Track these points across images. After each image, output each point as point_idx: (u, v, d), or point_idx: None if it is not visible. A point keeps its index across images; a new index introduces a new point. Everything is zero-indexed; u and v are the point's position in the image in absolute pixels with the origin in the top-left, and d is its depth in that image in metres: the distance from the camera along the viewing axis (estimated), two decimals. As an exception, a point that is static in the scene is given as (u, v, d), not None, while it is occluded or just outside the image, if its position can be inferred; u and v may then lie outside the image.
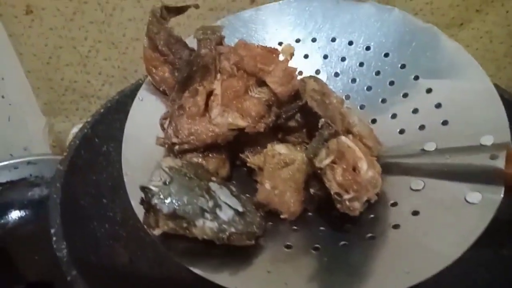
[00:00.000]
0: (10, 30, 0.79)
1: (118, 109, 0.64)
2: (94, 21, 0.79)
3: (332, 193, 0.43)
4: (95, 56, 0.83)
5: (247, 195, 0.50)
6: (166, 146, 0.50)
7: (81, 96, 0.88)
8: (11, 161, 0.86)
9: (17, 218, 0.85)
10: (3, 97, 0.89)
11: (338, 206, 0.43)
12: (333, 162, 0.44)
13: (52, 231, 0.51)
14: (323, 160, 0.44)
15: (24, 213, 0.85)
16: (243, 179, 0.55)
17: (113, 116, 0.65)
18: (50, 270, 0.74)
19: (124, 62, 0.84)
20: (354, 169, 0.44)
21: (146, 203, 0.40)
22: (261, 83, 0.51)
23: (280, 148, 0.49)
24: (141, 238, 0.56)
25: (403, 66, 0.57)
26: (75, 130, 0.87)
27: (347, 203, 0.42)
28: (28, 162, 0.86)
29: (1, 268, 0.77)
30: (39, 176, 0.87)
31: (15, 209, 0.85)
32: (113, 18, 0.78)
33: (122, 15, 0.78)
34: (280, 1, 0.64)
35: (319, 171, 0.44)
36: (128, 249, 0.60)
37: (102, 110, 0.66)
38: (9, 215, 0.85)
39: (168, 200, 0.40)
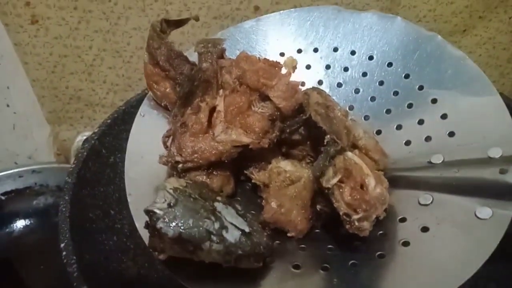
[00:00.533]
0: (15, 39, 0.77)
1: (125, 119, 0.62)
2: (99, 30, 0.77)
3: (340, 213, 0.40)
4: (100, 64, 0.81)
5: (253, 212, 0.47)
6: (169, 164, 0.47)
7: (86, 105, 0.86)
8: (16, 170, 0.84)
9: (22, 227, 0.83)
10: (8, 105, 0.87)
11: (347, 226, 0.40)
12: (340, 180, 0.41)
13: (62, 245, 0.49)
14: (331, 180, 0.41)
15: (29, 222, 0.83)
16: (247, 194, 0.52)
17: (120, 127, 0.63)
18: (56, 279, 0.72)
19: (128, 71, 0.82)
20: (362, 186, 0.42)
21: (151, 227, 0.38)
22: (264, 97, 0.48)
23: (286, 165, 0.47)
24: (149, 250, 0.54)
25: (407, 76, 0.54)
26: (79, 138, 0.86)
27: (356, 223, 0.40)
28: (33, 171, 0.84)
29: (6, 278, 0.75)
30: (44, 184, 0.85)
31: (20, 218, 0.83)
32: (118, 27, 0.76)
33: (127, 24, 0.76)
34: (281, 12, 0.62)
35: (326, 191, 0.42)
36: (136, 261, 0.59)
37: (108, 121, 0.63)
38: (14, 224, 0.83)
39: (173, 224, 0.37)
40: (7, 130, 0.89)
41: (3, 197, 0.83)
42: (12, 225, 0.82)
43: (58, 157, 0.91)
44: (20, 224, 0.83)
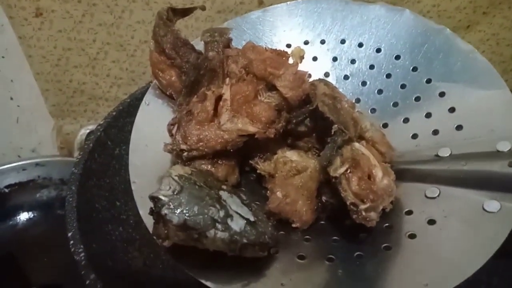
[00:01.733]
0: (19, 32, 0.77)
1: (130, 112, 0.62)
2: (103, 24, 0.76)
3: (348, 203, 0.40)
4: (104, 58, 0.81)
5: (258, 202, 0.46)
6: (174, 153, 0.46)
7: (89, 98, 0.85)
8: (19, 163, 0.84)
9: (25, 219, 0.82)
10: (12, 99, 0.87)
11: (354, 216, 0.40)
12: (348, 170, 0.40)
13: (69, 234, 0.49)
14: (338, 169, 0.40)
15: (33, 215, 0.83)
16: (252, 185, 0.51)
17: (125, 119, 0.63)
18: (60, 272, 0.72)
19: (132, 65, 0.82)
20: (369, 177, 0.41)
21: (155, 213, 0.37)
22: (271, 87, 0.47)
23: (292, 155, 0.46)
24: (154, 241, 0.54)
25: (414, 69, 0.53)
26: (83, 131, 0.86)
27: (364, 213, 0.39)
28: (36, 164, 0.84)
29: (10, 270, 0.75)
30: (47, 177, 0.84)
31: (23, 211, 0.83)
32: (122, 20, 0.76)
33: (131, 17, 0.76)
34: (288, 2, 0.61)
35: (333, 180, 0.41)
36: (142, 252, 0.58)
37: (114, 113, 0.63)
38: (18, 217, 0.82)
39: (178, 211, 0.36)
40: (11, 123, 0.89)
41: (6, 190, 0.82)
42: (15, 218, 0.82)
43: (62, 150, 0.90)
44: (23, 217, 0.82)
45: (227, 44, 0.51)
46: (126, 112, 0.63)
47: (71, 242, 0.48)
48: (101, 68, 0.82)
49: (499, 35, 0.75)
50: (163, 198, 0.36)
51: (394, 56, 0.55)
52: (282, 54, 0.48)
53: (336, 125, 0.43)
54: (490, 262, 0.36)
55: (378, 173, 0.42)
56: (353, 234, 0.43)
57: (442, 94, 0.50)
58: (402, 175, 0.47)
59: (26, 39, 0.77)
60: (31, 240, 0.79)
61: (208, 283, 0.38)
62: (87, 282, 0.45)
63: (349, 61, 0.58)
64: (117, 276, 0.53)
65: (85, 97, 0.85)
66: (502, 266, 0.51)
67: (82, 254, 0.47)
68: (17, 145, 0.92)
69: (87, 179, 0.56)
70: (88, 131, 0.83)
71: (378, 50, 0.56)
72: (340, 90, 0.53)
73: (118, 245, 0.57)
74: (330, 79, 0.57)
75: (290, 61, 0.48)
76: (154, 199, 0.37)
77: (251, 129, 0.45)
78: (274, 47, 0.52)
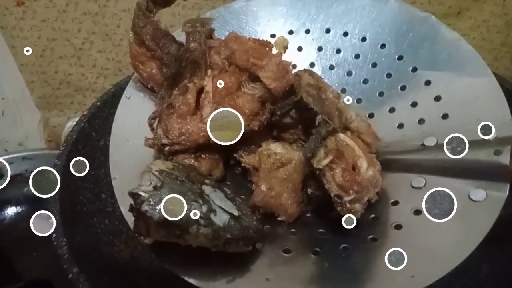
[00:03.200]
0: (1, 22, 0.75)
1: (114, 102, 0.59)
2: (88, 13, 0.74)
3: (332, 195, 0.39)
4: (89, 48, 0.79)
5: (242, 196, 0.46)
6: (156, 147, 0.45)
7: (76, 90, 0.84)
8: (6, 157, 0.82)
9: (13, 214, 0.80)
10: (-4, 91, 0.85)
11: (339, 208, 0.39)
12: (332, 162, 0.40)
13: (52, 228, 0.48)
14: (322, 161, 0.40)
15: (21, 209, 0.81)
16: (237, 178, 0.51)
17: (110, 110, 0.61)
18: (49, 267, 0.70)
19: (118, 54, 0.80)
20: (354, 168, 0.41)
21: (135, 210, 0.36)
22: (254, 78, 0.46)
23: (276, 147, 0.45)
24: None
25: (400, 58, 0.53)
26: (70, 124, 0.84)
27: (348, 205, 0.39)
28: (24, 157, 0.82)
29: (-2, 266, 0.73)
30: (34, 171, 0.82)
31: (11, 205, 0.81)
32: (107, 9, 0.74)
33: (116, 6, 0.74)
34: (272, -9, 0.59)
35: (317, 172, 0.40)
36: (128, 244, 0.58)
37: (98, 103, 0.62)
38: (5, 212, 0.80)
39: (159, 207, 0.35)
40: (-3, 117, 0.88)
41: (-7, 184, 0.81)
42: (3, 212, 0.80)
43: (49, 143, 0.89)
44: (11, 211, 0.80)
45: (209, 35, 0.49)
46: (111, 103, 0.61)
47: (54, 235, 0.47)
48: (87, 59, 0.80)
49: (489, 21, 0.74)
50: (143, 194, 0.35)
51: (380, 45, 0.54)
52: (265, 44, 0.47)
53: (320, 116, 0.42)
54: (480, 250, 0.35)
55: (363, 164, 0.41)
56: (339, 226, 0.42)
57: (427, 83, 0.49)
58: (388, 165, 0.46)
59: (8, 29, 0.75)
60: (19, 235, 0.77)
61: (191, 280, 0.38)
62: (70, 275, 0.44)
63: (335, 50, 0.57)
64: (102, 269, 0.52)
65: (71, 88, 0.83)
66: (492, 254, 0.51)
67: (65, 247, 0.46)
68: (3, 138, 0.90)
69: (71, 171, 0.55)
70: (75, 123, 0.81)
71: (363, 39, 0.55)
72: (326, 80, 0.52)
73: (104, 238, 0.56)
74: (316, 69, 0.56)
75: (274, 51, 0.47)
76: (134, 195, 0.36)
77: (234, 121, 0.44)
78: (258, 38, 0.51)
